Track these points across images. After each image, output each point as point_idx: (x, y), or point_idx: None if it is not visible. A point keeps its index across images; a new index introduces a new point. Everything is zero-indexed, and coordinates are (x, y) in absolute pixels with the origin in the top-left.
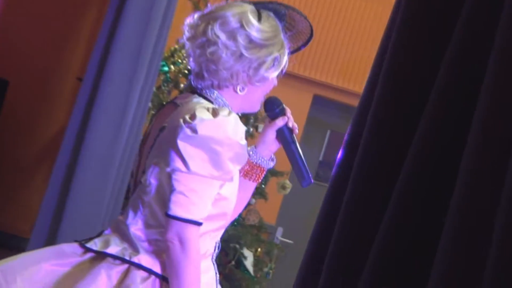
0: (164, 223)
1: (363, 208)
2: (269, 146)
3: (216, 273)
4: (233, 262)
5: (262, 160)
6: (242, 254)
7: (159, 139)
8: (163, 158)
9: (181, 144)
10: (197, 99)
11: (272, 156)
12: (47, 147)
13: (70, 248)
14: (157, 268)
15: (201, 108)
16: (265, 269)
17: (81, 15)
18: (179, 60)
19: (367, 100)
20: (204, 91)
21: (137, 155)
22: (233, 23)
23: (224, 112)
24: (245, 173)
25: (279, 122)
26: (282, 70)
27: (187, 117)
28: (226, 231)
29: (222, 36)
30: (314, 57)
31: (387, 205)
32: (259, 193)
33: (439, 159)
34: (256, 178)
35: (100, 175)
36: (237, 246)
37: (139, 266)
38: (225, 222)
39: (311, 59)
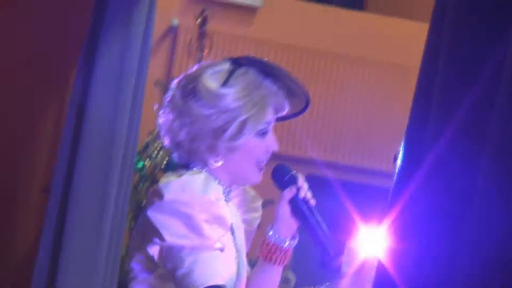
0: None
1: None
2: (286, 223)
3: None
4: None
5: (281, 240)
6: None
7: (137, 225)
8: (141, 240)
9: (151, 215)
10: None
11: (295, 234)
12: (17, 271)
13: None
14: None
15: (166, 175)
16: None
17: (39, 117)
18: (155, 152)
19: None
20: (186, 166)
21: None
22: (188, 89)
23: (191, 172)
24: (265, 257)
25: (287, 194)
26: (263, 131)
27: (155, 187)
28: None
29: (178, 106)
30: (300, 134)
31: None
32: None
33: None
34: (280, 261)
35: None
36: None
37: None
38: None
39: (297, 136)
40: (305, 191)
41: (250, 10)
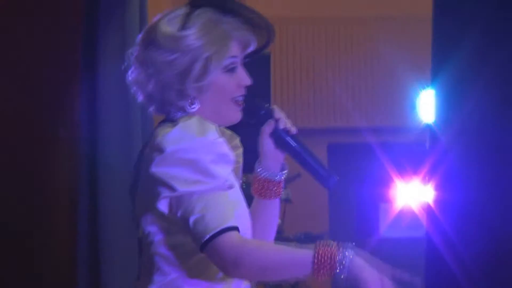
0: (179, 262)
1: None
2: (272, 156)
3: None
4: None
5: (271, 173)
6: None
7: (140, 188)
8: (151, 199)
9: (156, 171)
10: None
11: (283, 164)
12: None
13: None
14: None
15: (160, 129)
16: None
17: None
18: None
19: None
20: (171, 117)
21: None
22: (148, 40)
23: (183, 119)
24: (259, 193)
25: (266, 128)
26: (231, 67)
27: (152, 146)
28: None
29: (141, 58)
30: (315, 105)
31: None
32: None
33: None
34: (274, 194)
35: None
36: None
37: None
38: None
39: (312, 108)
40: (284, 121)
41: None
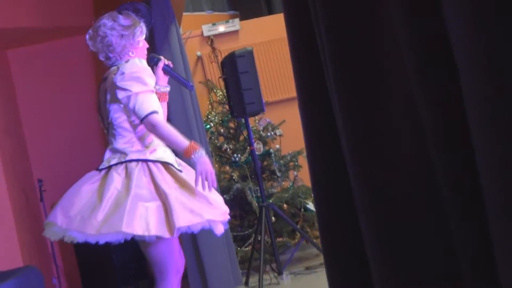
0: (133, 129)
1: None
2: (162, 79)
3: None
4: (302, 209)
5: (163, 88)
6: (305, 202)
7: (107, 95)
8: (115, 99)
9: (120, 84)
10: (115, 67)
11: (166, 84)
12: None
13: (93, 173)
14: (140, 157)
15: (114, 67)
16: None
17: None
18: (214, 118)
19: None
20: (116, 63)
21: (99, 118)
22: (109, 22)
23: (130, 59)
24: (159, 99)
25: (160, 64)
26: (145, 35)
27: (114, 72)
28: (289, 194)
29: (107, 31)
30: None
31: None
32: (298, 166)
33: None
34: (165, 99)
35: None
36: (299, 199)
37: (130, 161)
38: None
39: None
40: (166, 61)
41: (235, 32)
